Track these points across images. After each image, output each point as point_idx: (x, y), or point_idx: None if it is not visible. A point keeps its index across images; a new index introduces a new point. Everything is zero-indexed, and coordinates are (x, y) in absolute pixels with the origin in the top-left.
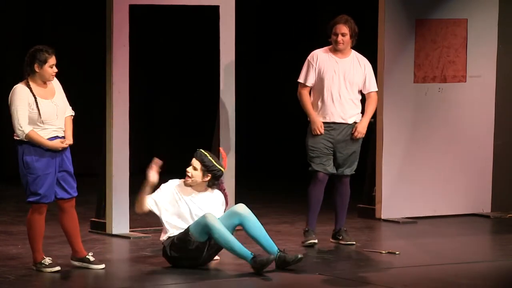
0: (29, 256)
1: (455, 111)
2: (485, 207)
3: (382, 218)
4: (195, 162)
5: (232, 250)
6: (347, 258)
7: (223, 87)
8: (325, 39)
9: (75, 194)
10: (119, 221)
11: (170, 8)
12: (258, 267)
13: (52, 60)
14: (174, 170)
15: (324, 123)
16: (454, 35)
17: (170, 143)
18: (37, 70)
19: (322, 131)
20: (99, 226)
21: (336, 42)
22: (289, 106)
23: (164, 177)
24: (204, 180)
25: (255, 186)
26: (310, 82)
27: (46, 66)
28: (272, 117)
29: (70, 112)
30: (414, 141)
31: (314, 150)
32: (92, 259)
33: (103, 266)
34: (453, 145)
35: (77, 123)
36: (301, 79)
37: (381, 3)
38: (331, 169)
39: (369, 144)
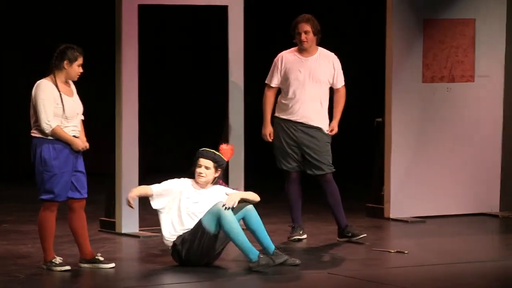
0: (39, 255)
1: (463, 110)
2: (494, 207)
3: (391, 217)
4: (205, 161)
5: (239, 241)
6: (355, 257)
7: (231, 87)
8: (333, 38)
9: (86, 195)
10: (129, 220)
11: (178, 8)
12: (263, 265)
13: (81, 60)
14: (182, 169)
15: (291, 122)
16: (462, 35)
17: (178, 142)
18: (65, 67)
19: (270, 139)
20: (109, 225)
21: (301, 41)
22: None
23: (171, 177)
24: (215, 176)
25: (264, 185)
26: (275, 83)
27: (75, 65)
28: None
29: (81, 116)
30: (423, 141)
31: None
32: (101, 258)
33: (113, 265)
34: (462, 145)
35: (85, 122)
36: (267, 80)
37: (389, 3)
38: (299, 167)
39: (377, 143)
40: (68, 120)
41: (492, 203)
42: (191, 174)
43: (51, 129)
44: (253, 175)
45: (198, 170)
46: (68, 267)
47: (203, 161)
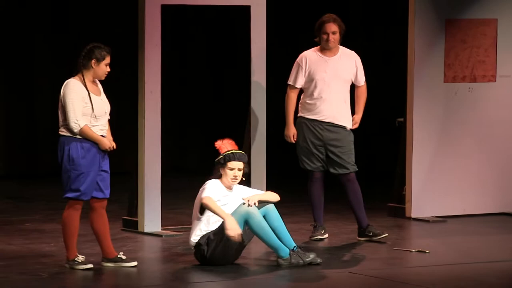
0: (61, 254)
1: (485, 110)
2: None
3: (412, 217)
4: (237, 164)
5: (270, 239)
6: (377, 256)
7: (254, 87)
8: (360, 36)
9: (108, 195)
10: (151, 220)
11: (201, 8)
12: (293, 263)
13: (108, 59)
14: (205, 170)
15: (318, 121)
16: (484, 35)
17: (201, 142)
18: (93, 66)
19: (293, 140)
20: (131, 224)
21: (327, 41)
22: None
23: (194, 177)
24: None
25: (285, 184)
26: (300, 83)
27: (102, 64)
28: None
29: (108, 115)
30: (444, 141)
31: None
32: (124, 257)
33: (135, 263)
34: (483, 145)
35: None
36: (290, 81)
37: (411, 3)
38: (323, 167)
39: (399, 143)
40: (97, 119)
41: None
42: (215, 176)
43: (79, 128)
44: (274, 175)
45: (231, 173)
46: (90, 265)
47: (235, 164)
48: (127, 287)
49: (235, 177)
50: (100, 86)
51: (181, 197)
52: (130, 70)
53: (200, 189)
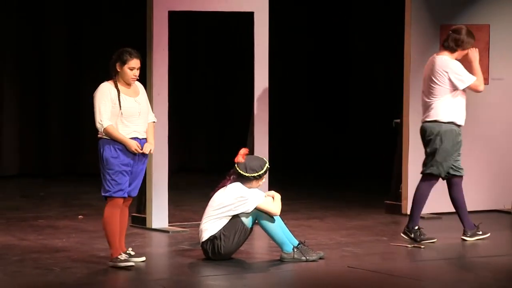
0: (74, 249)
1: (479, 112)
2: (506, 204)
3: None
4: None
5: (277, 234)
6: (375, 251)
7: (257, 90)
8: (354, 40)
9: (135, 194)
10: (159, 216)
11: (207, 15)
12: (295, 258)
13: (133, 63)
14: (211, 168)
15: (460, 127)
16: (477, 40)
17: (207, 142)
18: (118, 69)
19: None
20: (140, 221)
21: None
22: (315, 104)
23: (200, 176)
24: None
25: (286, 181)
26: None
27: (126, 67)
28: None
29: (153, 118)
30: None
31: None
32: (132, 253)
33: (143, 258)
34: (476, 145)
35: None
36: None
37: (407, 9)
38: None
39: (396, 143)
40: (128, 120)
41: (504, 200)
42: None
43: (103, 128)
44: (278, 173)
45: (261, 183)
46: (132, 263)
47: (266, 175)
48: (136, 281)
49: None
50: (140, 88)
51: (187, 195)
52: (140, 74)
53: (237, 197)
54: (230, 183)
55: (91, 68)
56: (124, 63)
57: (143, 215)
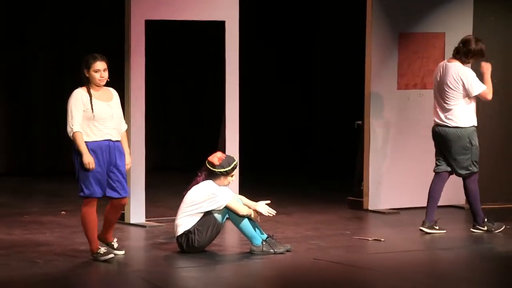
0: (56, 243)
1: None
2: (460, 200)
3: (369, 209)
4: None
5: (246, 229)
6: (338, 244)
7: (228, 93)
8: (325, 45)
9: (124, 195)
10: (136, 212)
11: (182, 23)
12: (264, 251)
13: (97, 66)
14: (185, 168)
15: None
16: (433, 47)
17: (181, 143)
18: (87, 75)
19: None
20: (119, 217)
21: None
22: (282, 108)
23: (177, 174)
24: None
25: (256, 179)
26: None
27: (91, 71)
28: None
29: (124, 126)
30: (398, 142)
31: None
32: (116, 245)
33: (123, 252)
34: (432, 145)
35: None
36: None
37: (368, 18)
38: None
39: (358, 143)
40: (100, 123)
41: (459, 196)
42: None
43: (72, 132)
44: (247, 173)
45: (230, 179)
46: (111, 256)
47: (236, 170)
48: (116, 272)
49: (230, 182)
50: (113, 93)
51: (163, 192)
52: (118, 79)
53: (208, 194)
54: (202, 179)
55: (73, 73)
56: (89, 67)
57: (122, 211)
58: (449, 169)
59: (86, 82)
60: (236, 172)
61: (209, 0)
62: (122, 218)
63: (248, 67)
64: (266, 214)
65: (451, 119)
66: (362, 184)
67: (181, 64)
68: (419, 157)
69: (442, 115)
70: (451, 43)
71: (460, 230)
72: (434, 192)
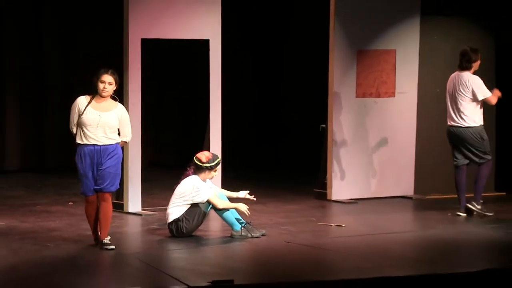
0: (65, 229)
1: (387, 118)
2: (409, 191)
3: (332, 199)
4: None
5: (227, 217)
6: (306, 229)
7: (212, 100)
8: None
9: (108, 190)
10: (133, 202)
11: (173, 42)
12: (242, 236)
13: (104, 78)
14: (177, 165)
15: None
16: (386, 62)
17: (173, 143)
18: (95, 84)
19: None
20: (118, 206)
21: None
22: (257, 111)
23: (169, 170)
24: None
25: (236, 175)
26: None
27: (98, 82)
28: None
29: (125, 138)
30: (356, 142)
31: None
32: (108, 242)
33: (113, 247)
34: (386, 145)
35: None
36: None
37: (331, 37)
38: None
39: (322, 143)
40: (87, 128)
41: (408, 188)
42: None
43: (72, 133)
44: (229, 168)
45: (214, 174)
46: (113, 247)
47: (218, 167)
48: (116, 254)
49: (213, 176)
50: (115, 106)
51: (157, 185)
52: (118, 87)
53: (192, 188)
54: (191, 173)
55: (82, 78)
56: (98, 77)
57: (121, 202)
58: (466, 161)
59: (94, 89)
60: (219, 167)
61: (196, 20)
62: (121, 208)
63: (228, 74)
64: (247, 213)
65: (464, 120)
66: (325, 178)
67: (174, 76)
68: (373, 155)
69: (456, 117)
70: (401, 58)
71: (408, 216)
72: (460, 184)
